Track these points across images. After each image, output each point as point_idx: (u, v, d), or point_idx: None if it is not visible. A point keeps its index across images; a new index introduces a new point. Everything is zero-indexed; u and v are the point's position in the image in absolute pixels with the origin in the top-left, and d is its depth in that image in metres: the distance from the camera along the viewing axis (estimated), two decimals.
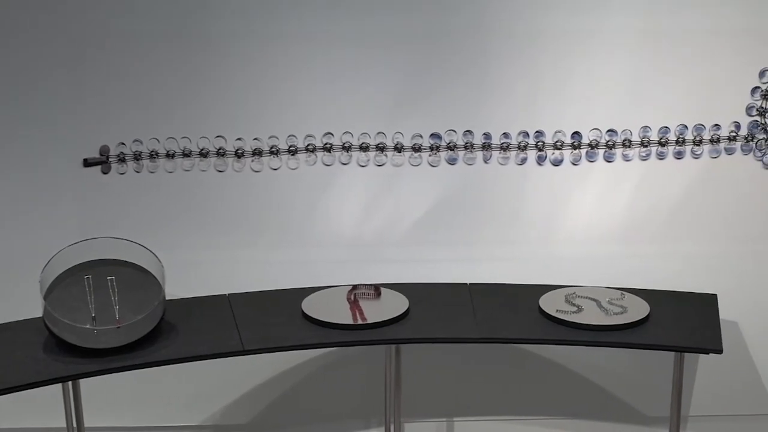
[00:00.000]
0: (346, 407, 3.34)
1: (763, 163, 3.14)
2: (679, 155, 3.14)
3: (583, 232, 3.19)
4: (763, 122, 3.11)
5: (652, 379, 3.22)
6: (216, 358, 2.61)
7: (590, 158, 3.14)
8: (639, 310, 2.81)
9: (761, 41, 3.05)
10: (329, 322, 2.75)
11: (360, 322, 2.76)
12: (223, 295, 2.97)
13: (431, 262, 3.18)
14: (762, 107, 3.10)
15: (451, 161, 3.14)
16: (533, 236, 3.19)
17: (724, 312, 3.19)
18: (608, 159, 3.14)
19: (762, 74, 3.07)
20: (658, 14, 3.03)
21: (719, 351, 2.60)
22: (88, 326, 2.57)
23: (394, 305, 2.86)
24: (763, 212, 3.17)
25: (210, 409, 3.33)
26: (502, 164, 3.14)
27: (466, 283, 3.06)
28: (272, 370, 3.30)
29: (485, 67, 3.06)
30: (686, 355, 3.19)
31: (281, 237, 3.17)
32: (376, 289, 2.96)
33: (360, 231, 3.18)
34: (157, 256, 2.73)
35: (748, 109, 3.10)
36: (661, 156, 3.14)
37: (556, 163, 3.15)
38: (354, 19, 3.03)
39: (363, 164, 3.14)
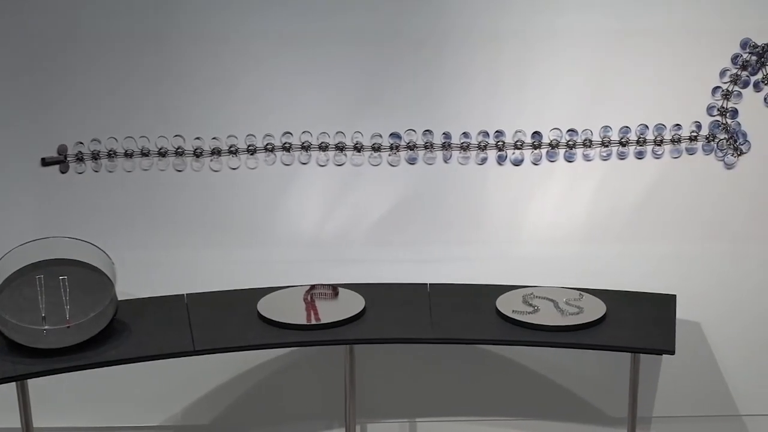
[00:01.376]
0: (308, 407, 3.33)
1: (725, 163, 3.13)
2: (640, 155, 3.12)
3: (544, 232, 3.17)
4: (724, 122, 3.09)
5: (615, 379, 3.20)
6: (165, 358, 2.60)
7: (551, 158, 3.13)
8: (595, 310, 2.80)
9: (721, 41, 3.03)
10: (283, 323, 2.74)
11: (314, 322, 2.75)
12: (181, 295, 2.97)
13: (392, 262, 3.17)
14: (723, 107, 3.08)
15: (411, 161, 3.13)
16: (494, 236, 3.18)
17: (687, 313, 3.20)
18: (569, 159, 3.13)
19: (722, 74, 3.06)
20: (618, 14, 3.01)
21: (671, 352, 2.59)
22: (36, 326, 2.55)
23: (350, 305, 2.85)
24: (725, 212, 3.15)
25: (172, 409, 3.32)
26: (462, 164, 3.13)
27: (426, 284, 3.05)
28: (235, 370, 3.29)
29: (444, 67, 3.05)
30: (649, 355, 3.20)
31: (241, 237, 3.16)
32: (334, 290, 2.95)
33: (320, 231, 3.17)
34: (108, 255, 2.72)
35: (709, 109, 3.09)
36: (622, 156, 3.12)
37: (517, 162, 3.13)
38: (313, 19, 3.01)
39: (322, 164, 3.13)
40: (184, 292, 2.98)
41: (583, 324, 2.73)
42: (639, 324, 2.75)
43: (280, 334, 2.71)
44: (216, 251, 3.16)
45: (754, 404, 3.30)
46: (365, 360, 3.25)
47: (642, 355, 3.17)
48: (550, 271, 3.13)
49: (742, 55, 3.04)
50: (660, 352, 2.60)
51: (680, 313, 3.16)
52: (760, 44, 3.03)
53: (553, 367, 3.30)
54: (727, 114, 3.09)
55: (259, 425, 3.34)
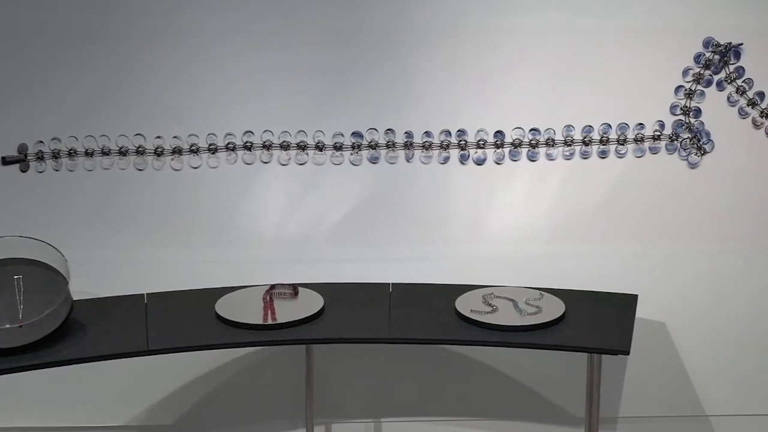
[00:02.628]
0: (272, 407, 3.32)
1: (689, 163, 3.12)
2: (603, 154, 3.11)
3: (507, 232, 3.16)
4: (687, 121, 3.08)
5: (580, 379, 3.19)
6: (118, 358, 2.59)
7: (513, 157, 3.12)
8: (554, 310, 2.79)
9: (684, 40, 3.03)
10: (239, 322, 2.73)
11: (270, 322, 2.74)
12: (141, 295, 2.95)
13: (355, 261, 3.16)
14: (686, 106, 3.07)
15: (373, 160, 3.12)
16: (458, 236, 3.16)
17: (652, 312, 3.19)
18: (532, 158, 3.12)
19: (685, 73, 3.05)
20: (580, 12, 3.01)
21: (626, 352, 2.57)
22: None
23: (308, 305, 2.84)
24: (688, 212, 3.14)
25: (135, 409, 3.30)
26: (424, 163, 3.12)
27: (389, 283, 3.03)
28: (199, 370, 3.28)
29: (406, 66, 3.04)
30: (615, 355, 3.19)
31: (203, 236, 3.15)
32: (294, 289, 2.93)
33: (282, 230, 3.16)
34: (61, 253, 2.70)
35: (672, 108, 3.08)
36: (585, 155, 3.11)
37: (479, 162, 3.12)
38: (273, 18, 3.01)
39: (284, 163, 3.12)
40: (145, 291, 2.97)
41: (540, 324, 2.71)
42: (597, 324, 2.74)
43: (235, 333, 2.69)
44: (177, 250, 3.15)
45: (720, 404, 3.29)
46: (329, 360, 3.25)
47: (608, 356, 3.18)
48: (514, 271, 3.12)
49: (705, 54, 3.03)
50: (615, 353, 2.58)
51: (645, 314, 3.18)
52: (722, 43, 3.03)
53: (519, 367, 3.28)
54: (691, 113, 3.08)
55: (223, 425, 3.33)
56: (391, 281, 3.05)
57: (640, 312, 3.16)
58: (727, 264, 3.18)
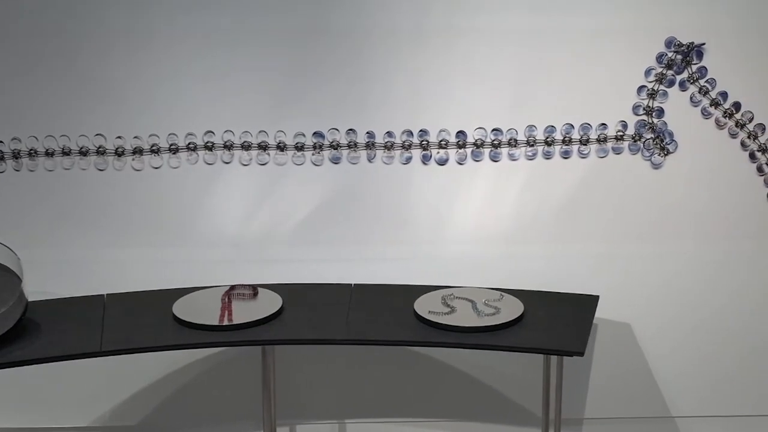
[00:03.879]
0: (236, 408, 3.30)
1: (652, 163, 3.10)
2: (566, 155, 3.10)
3: (470, 232, 3.15)
4: (650, 122, 3.07)
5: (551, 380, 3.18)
6: (71, 359, 2.58)
7: (476, 158, 3.11)
8: (512, 311, 2.78)
9: (646, 40, 3.01)
10: (194, 323, 2.72)
11: (226, 323, 2.73)
12: (101, 296, 2.94)
13: (317, 262, 3.15)
14: (649, 106, 3.06)
15: (335, 160, 3.11)
16: (420, 236, 3.15)
17: (617, 314, 3.18)
18: (494, 158, 3.11)
19: (648, 73, 3.04)
20: (542, 12, 2.99)
21: (581, 354, 2.56)
22: None
23: (267, 306, 2.83)
24: (652, 212, 3.13)
25: (99, 410, 3.29)
26: (386, 163, 3.11)
27: (350, 284, 3.02)
28: (162, 371, 3.27)
29: (367, 66, 3.03)
30: (579, 357, 3.18)
31: (165, 236, 3.14)
32: (254, 290, 2.92)
33: (244, 230, 3.15)
34: (14, 252, 2.69)
35: (635, 109, 3.06)
36: (547, 155, 3.10)
37: (442, 162, 3.11)
38: (235, 17, 3.00)
39: (245, 163, 3.11)
40: (106, 292, 2.96)
41: (496, 325, 2.70)
42: (555, 325, 2.73)
43: (190, 335, 2.68)
44: (139, 251, 3.14)
45: (685, 405, 3.28)
46: (293, 360, 3.24)
47: (574, 357, 3.18)
48: (476, 272, 3.11)
49: (667, 54, 3.02)
50: (570, 354, 2.57)
51: (610, 314, 3.17)
52: (685, 43, 3.01)
53: (484, 368, 3.27)
54: (653, 113, 3.06)
55: (187, 426, 3.32)
56: (353, 282, 3.04)
57: (605, 313, 3.17)
58: (691, 264, 3.17)
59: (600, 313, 3.14)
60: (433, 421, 3.33)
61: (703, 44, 3.01)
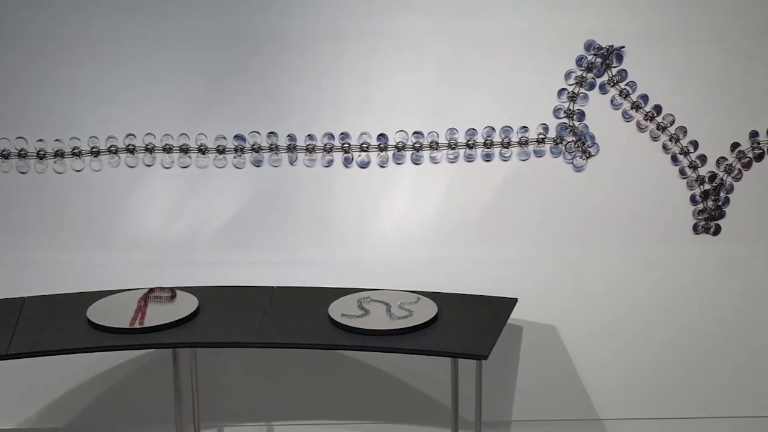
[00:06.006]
0: (164, 411, 3.30)
1: (574, 166, 3.11)
2: (487, 158, 3.10)
3: (393, 235, 3.15)
4: (571, 125, 3.07)
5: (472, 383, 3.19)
6: None
7: (397, 160, 3.11)
8: (425, 314, 2.78)
9: (565, 42, 3.02)
10: (106, 326, 2.73)
11: (137, 326, 2.73)
12: (21, 299, 2.95)
13: (240, 265, 3.16)
14: (569, 109, 3.06)
15: (257, 163, 3.11)
16: (344, 239, 3.16)
17: (542, 316, 3.19)
18: (416, 161, 3.11)
19: (568, 76, 3.04)
20: (461, 15, 3.00)
21: (484, 357, 2.56)
22: None
23: (181, 309, 2.83)
24: (576, 215, 3.13)
25: (27, 412, 3.30)
26: (308, 166, 3.11)
27: (272, 287, 3.03)
28: (89, 372, 3.27)
29: (288, 69, 3.03)
30: (505, 358, 3.20)
31: (87, 239, 3.15)
32: (172, 292, 2.93)
33: (167, 233, 3.15)
34: None
35: (556, 111, 3.07)
36: (469, 158, 3.11)
37: (363, 165, 3.11)
38: (155, 22, 3.00)
39: (167, 166, 3.11)
40: (28, 294, 2.97)
41: (406, 328, 2.70)
42: (466, 328, 2.73)
43: (100, 337, 2.69)
44: (62, 254, 3.14)
45: (612, 408, 3.28)
46: (217, 363, 3.24)
47: (500, 360, 3.19)
48: (398, 275, 3.12)
49: (586, 57, 3.03)
50: (475, 357, 2.57)
51: (535, 317, 3.18)
52: (604, 46, 3.01)
53: (410, 371, 3.27)
54: (574, 116, 3.07)
55: (115, 428, 3.32)
56: (276, 284, 3.05)
57: (531, 316, 3.18)
58: (614, 266, 3.17)
59: (525, 315, 3.17)
60: (360, 423, 3.33)
61: (623, 47, 3.01)
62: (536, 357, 3.25)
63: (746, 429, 3.28)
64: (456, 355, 2.61)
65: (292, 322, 2.80)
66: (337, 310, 2.82)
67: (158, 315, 2.79)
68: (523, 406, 3.29)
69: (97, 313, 2.80)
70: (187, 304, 2.87)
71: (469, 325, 2.75)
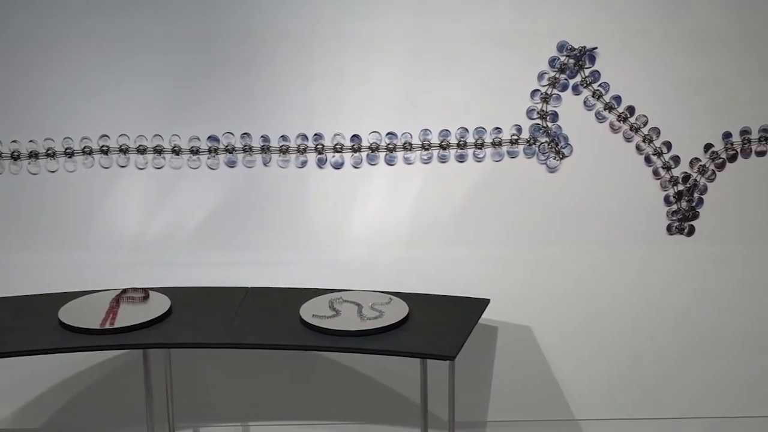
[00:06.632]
0: (138, 412, 3.31)
1: (548, 167, 3.11)
2: (461, 158, 3.11)
3: (367, 236, 3.16)
4: (544, 125, 3.08)
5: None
6: None
7: (371, 161, 3.11)
8: (396, 315, 2.78)
9: (538, 44, 3.02)
10: (76, 327, 2.73)
11: (108, 327, 2.74)
12: None
13: (216, 265, 3.16)
14: (543, 110, 3.07)
15: (231, 164, 3.12)
16: (318, 240, 3.16)
17: (517, 317, 3.19)
18: (390, 162, 3.11)
19: (541, 77, 3.04)
20: (434, 16, 3.00)
21: (452, 358, 2.56)
22: None
23: (153, 309, 2.84)
24: (549, 216, 3.14)
25: (2, 413, 3.30)
26: (282, 167, 3.12)
27: (246, 287, 3.04)
28: (65, 373, 3.28)
29: (261, 71, 3.04)
30: (481, 359, 3.20)
31: (62, 240, 3.15)
32: (145, 293, 2.93)
33: (142, 234, 3.16)
34: None
35: (529, 112, 3.07)
36: (443, 159, 3.11)
37: (337, 166, 3.12)
38: (128, 23, 3.01)
39: (141, 167, 3.12)
40: (2, 295, 2.98)
41: (376, 329, 2.70)
42: (435, 329, 2.73)
43: (70, 338, 2.69)
44: (36, 255, 3.15)
45: (587, 408, 3.29)
46: (193, 363, 3.25)
47: (476, 360, 3.20)
48: (372, 275, 3.12)
49: (559, 58, 3.03)
50: (442, 358, 2.58)
51: (510, 318, 3.19)
52: (577, 47, 3.02)
53: (386, 371, 3.27)
54: (548, 117, 3.07)
55: (91, 428, 3.33)
56: (250, 285, 3.05)
57: (506, 316, 3.18)
58: (588, 267, 3.18)
59: (500, 316, 3.17)
60: (337, 423, 3.34)
61: (595, 48, 3.02)
62: (512, 357, 3.25)
63: (722, 430, 3.28)
64: (423, 355, 2.62)
65: (264, 322, 2.80)
66: (308, 310, 2.82)
67: (130, 316, 2.80)
68: (499, 406, 3.30)
69: (68, 314, 2.81)
70: (159, 305, 2.87)
71: (440, 326, 2.76)
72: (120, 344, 2.69)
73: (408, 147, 3.10)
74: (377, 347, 2.63)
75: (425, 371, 2.74)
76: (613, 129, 3.07)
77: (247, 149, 3.10)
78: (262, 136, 3.09)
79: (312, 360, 3.27)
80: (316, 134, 3.09)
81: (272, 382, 3.30)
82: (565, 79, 3.04)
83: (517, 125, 3.08)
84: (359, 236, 3.16)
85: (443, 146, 3.10)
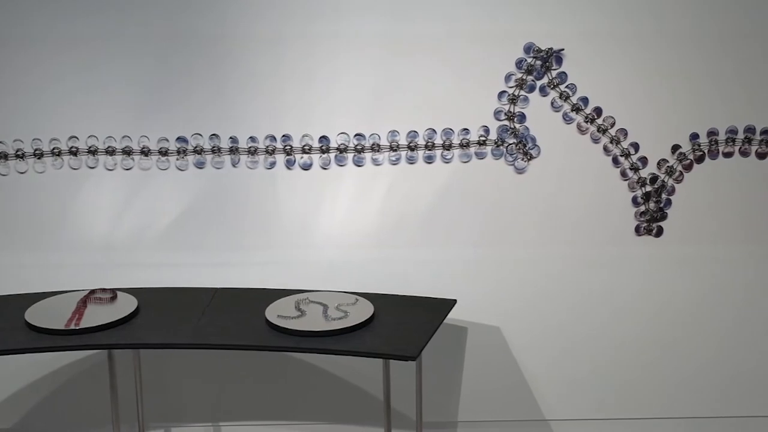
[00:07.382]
0: (108, 412, 3.32)
1: (515, 168, 3.12)
2: (429, 159, 3.12)
3: (335, 237, 3.17)
4: (512, 127, 3.09)
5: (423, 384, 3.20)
6: None
7: (340, 162, 3.12)
8: (361, 315, 2.79)
9: (505, 45, 3.03)
10: (41, 327, 2.74)
11: (72, 327, 2.75)
12: None
13: (185, 266, 3.17)
14: (510, 111, 3.07)
15: (199, 165, 3.13)
16: (287, 240, 3.17)
17: (487, 317, 3.20)
18: (358, 163, 3.12)
19: (508, 78, 3.05)
20: (401, 18, 3.01)
21: (413, 358, 2.57)
22: None
23: (119, 310, 2.85)
24: (517, 216, 3.15)
25: None
26: (251, 168, 3.13)
27: (214, 288, 3.05)
28: (36, 373, 3.29)
29: (230, 72, 3.05)
30: (450, 359, 3.21)
31: (31, 241, 3.16)
32: (113, 293, 2.94)
33: (111, 235, 3.17)
34: None
35: (497, 114, 3.08)
36: (411, 160, 3.12)
37: (306, 167, 3.13)
38: (97, 23, 3.02)
39: (110, 168, 3.13)
40: None
41: (340, 330, 2.71)
42: (399, 329, 2.74)
43: (35, 339, 2.70)
44: (5, 256, 3.17)
45: (556, 408, 3.30)
46: (163, 363, 3.26)
47: (445, 360, 3.21)
48: (341, 276, 3.13)
49: (526, 60, 3.04)
50: (404, 358, 2.58)
51: (479, 318, 3.19)
52: (544, 49, 3.03)
53: (358, 373, 3.28)
54: (515, 118, 3.08)
55: (59, 429, 3.34)
56: (219, 286, 3.06)
57: (475, 317, 3.19)
58: (556, 267, 3.19)
59: (470, 316, 3.18)
60: (306, 424, 3.35)
61: (562, 50, 3.03)
62: (481, 358, 3.26)
63: (693, 430, 3.29)
64: (385, 356, 2.63)
65: (230, 323, 2.81)
66: (274, 311, 2.83)
67: (95, 316, 2.81)
68: (468, 406, 3.31)
69: (34, 315, 2.81)
70: (126, 306, 2.88)
71: (404, 327, 2.76)
72: (84, 344, 2.70)
73: (376, 148, 3.11)
74: (340, 348, 2.64)
75: (388, 371, 2.75)
76: (581, 130, 3.08)
77: (216, 150, 3.11)
78: (230, 138, 3.11)
79: (282, 360, 3.28)
80: (284, 135, 3.10)
81: (242, 383, 3.31)
82: (533, 81, 3.05)
83: (484, 126, 3.09)
84: (328, 237, 3.16)
85: (411, 147, 3.11)
